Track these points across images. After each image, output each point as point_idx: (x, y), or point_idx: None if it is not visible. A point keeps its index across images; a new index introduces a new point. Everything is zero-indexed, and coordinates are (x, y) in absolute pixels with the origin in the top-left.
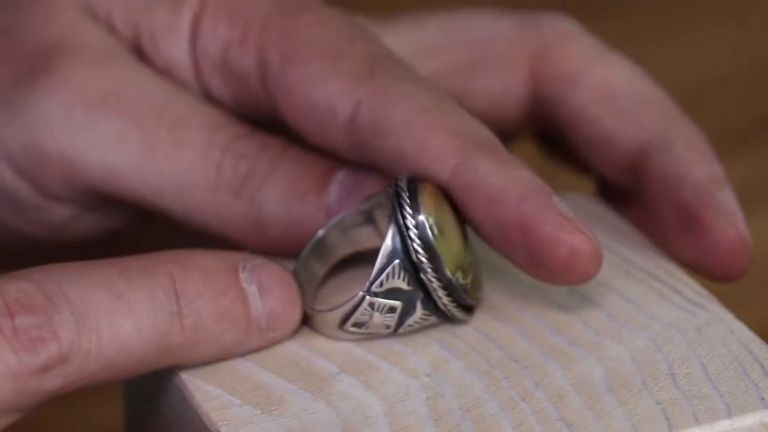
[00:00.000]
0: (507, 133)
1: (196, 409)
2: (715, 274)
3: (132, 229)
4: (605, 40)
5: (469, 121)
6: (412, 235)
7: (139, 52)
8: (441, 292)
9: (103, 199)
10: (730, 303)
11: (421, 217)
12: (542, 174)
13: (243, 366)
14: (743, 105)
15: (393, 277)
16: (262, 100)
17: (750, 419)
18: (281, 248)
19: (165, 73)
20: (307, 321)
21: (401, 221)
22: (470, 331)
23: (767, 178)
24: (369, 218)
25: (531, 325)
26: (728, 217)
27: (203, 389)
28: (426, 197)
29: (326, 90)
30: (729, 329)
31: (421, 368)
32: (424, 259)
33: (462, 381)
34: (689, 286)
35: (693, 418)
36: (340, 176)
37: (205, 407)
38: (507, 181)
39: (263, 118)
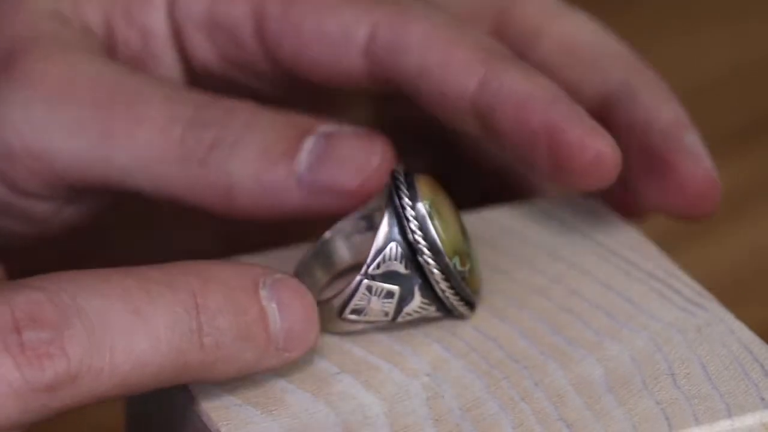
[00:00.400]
0: None
1: (197, 409)
2: (686, 213)
3: (118, 210)
4: None
5: (487, 37)
6: (409, 216)
7: (112, 32)
8: (438, 276)
9: (77, 189)
10: (730, 303)
11: (418, 201)
12: None
13: None
14: (743, 105)
15: (390, 259)
16: (253, 52)
17: (750, 419)
18: (252, 217)
19: (141, 45)
20: None
21: (398, 202)
22: (470, 331)
23: (767, 178)
24: (370, 224)
25: (531, 324)
26: (696, 157)
27: (203, 389)
28: (423, 185)
29: (340, 16)
30: (729, 329)
31: (421, 368)
32: (420, 240)
33: (462, 381)
34: (689, 286)
35: (693, 418)
36: (309, 143)
37: (206, 407)
38: (534, 88)
39: (251, 74)
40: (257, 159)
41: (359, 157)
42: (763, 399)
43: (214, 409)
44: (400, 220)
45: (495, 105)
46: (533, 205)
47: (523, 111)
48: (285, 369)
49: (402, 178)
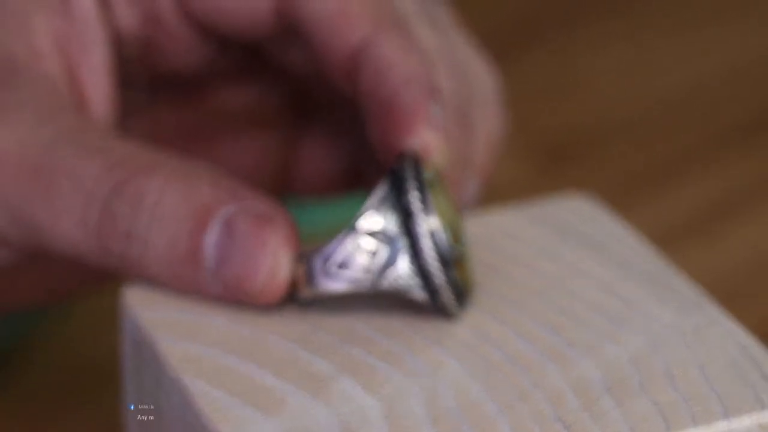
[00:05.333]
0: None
1: (196, 411)
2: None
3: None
4: (605, 40)
5: None
6: (407, 177)
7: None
8: (426, 241)
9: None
10: (729, 304)
11: (421, 170)
12: (540, 177)
13: (243, 367)
14: (743, 105)
15: (382, 216)
16: (168, 10)
17: (747, 420)
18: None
19: (80, 30)
20: (294, 289)
21: (399, 167)
22: (468, 332)
23: (766, 179)
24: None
25: (529, 326)
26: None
27: (203, 390)
28: (430, 165)
29: None
30: (726, 331)
31: (419, 369)
32: (415, 201)
33: (460, 382)
34: (687, 287)
35: (690, 420)
36: (212, 236)
37: (205, 408)
38: (402, 63)
39: (170, 39)
40: (168, 256)
41: (256, 256)
42: (760, 400)
43: (214, 409)
44: (399, 183)
45: (363, 62)
46: (532, 207)
47: (381, 77)
48: (284, 370)
49: (409, 154)
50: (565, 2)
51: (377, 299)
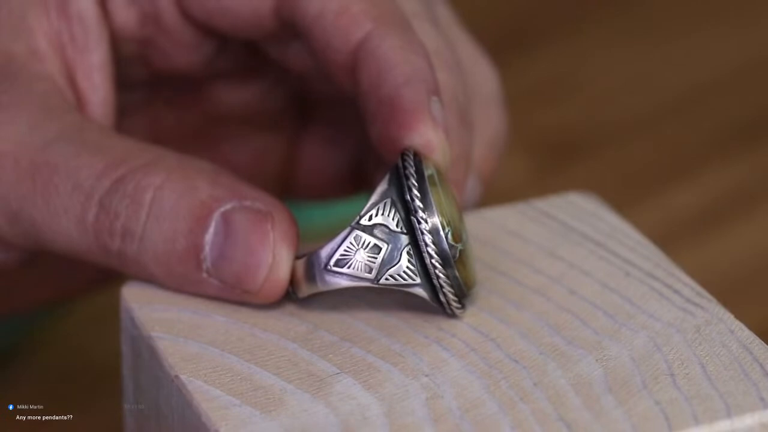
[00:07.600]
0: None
1: (196, 410)
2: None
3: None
4: (605, 40)
5: None
6: (409, 174)
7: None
8: (427, 238)
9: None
10: (730, 303)
11: (423, 167)
12: (541, 176)
13: (242, 366)
14: (743, 104)
15: (383, 212)
16: (166, 10)
17: (749, 419)
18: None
19: (79, 30)
20: (294, 286)
21: (400, 164)
22: (469, 331)
23: (766, 179)
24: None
25: (530, 325)
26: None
27: (203, 390)
28: (431, 162)
29: None
30: (728, 329)
31: (420, 368)
32: (416, 199)
33: (461, 381)
34: (688, 285)
35: (692, 418)
36: (210, 234)
37: (205, 408)
38: (402, 62)
39: (167, 37)
40: (167, 254)
41: (256, 253)
42: (762, 399)
43: (214, 409)
44: (400, 180)
45: (364, 61)
46: (533, 205)
47: (382, 77)
48: (284, 369)
49: (411, 151)
50: (566, 3)
51: (377, 298)
